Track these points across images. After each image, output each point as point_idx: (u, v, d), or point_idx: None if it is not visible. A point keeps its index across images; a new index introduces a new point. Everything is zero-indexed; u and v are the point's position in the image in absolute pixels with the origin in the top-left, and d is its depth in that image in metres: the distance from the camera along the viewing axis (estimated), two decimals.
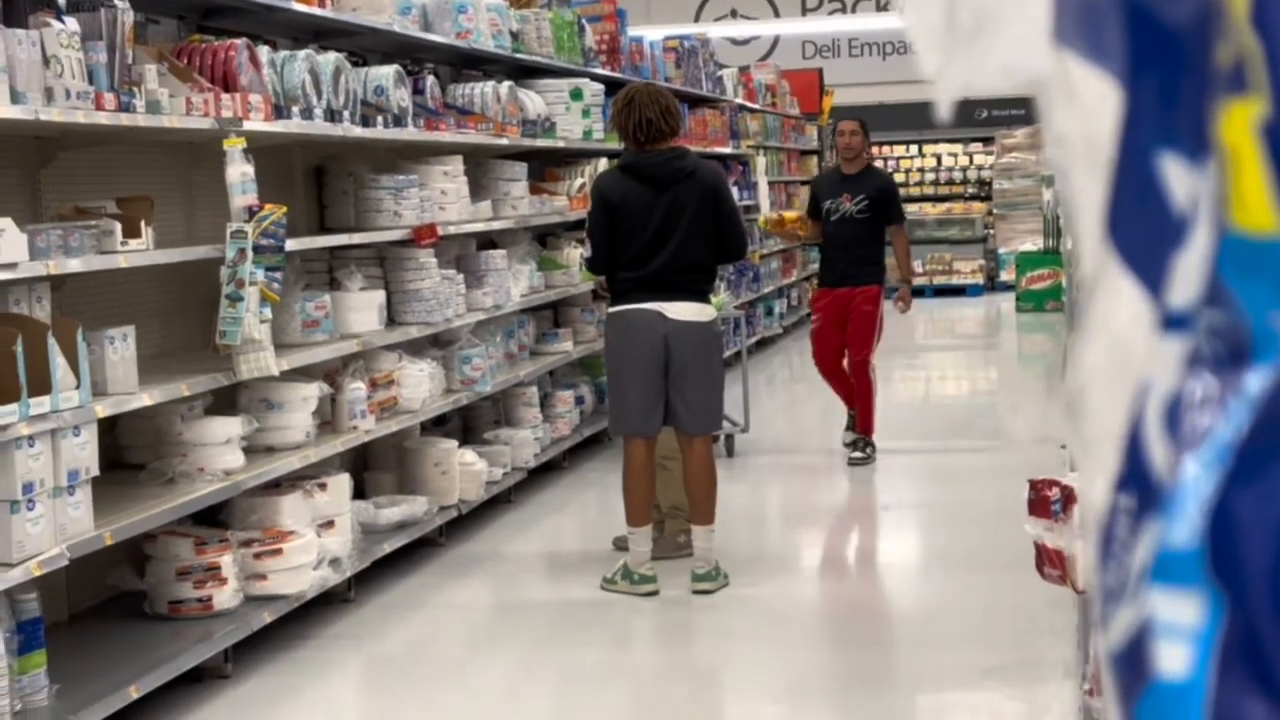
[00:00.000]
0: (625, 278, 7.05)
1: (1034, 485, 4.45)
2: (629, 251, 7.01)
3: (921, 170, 25.53)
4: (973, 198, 24.68)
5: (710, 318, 7.11)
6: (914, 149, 25.48)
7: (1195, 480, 0.58)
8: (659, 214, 6.99)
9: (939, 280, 22.68)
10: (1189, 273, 0.61)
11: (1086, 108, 0.67)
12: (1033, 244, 21.22)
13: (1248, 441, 0.55)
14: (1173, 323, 0.62)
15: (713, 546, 7.19)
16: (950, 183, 25.27)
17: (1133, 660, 0.61)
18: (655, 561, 7.20)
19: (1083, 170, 0.70)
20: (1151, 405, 0.63)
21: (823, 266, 10.80)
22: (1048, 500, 4.36)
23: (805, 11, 24.38)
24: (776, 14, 24.32)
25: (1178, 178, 0.62)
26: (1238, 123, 0.55)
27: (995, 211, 23.03)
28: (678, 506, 7.73)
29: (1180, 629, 0.58)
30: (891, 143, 25.50)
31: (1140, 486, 0.63)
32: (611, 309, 7.18)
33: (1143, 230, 0.64)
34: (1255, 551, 0.54)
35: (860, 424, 10.36)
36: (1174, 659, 0.58)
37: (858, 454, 10.20)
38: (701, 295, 7.11)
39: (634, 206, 7.00)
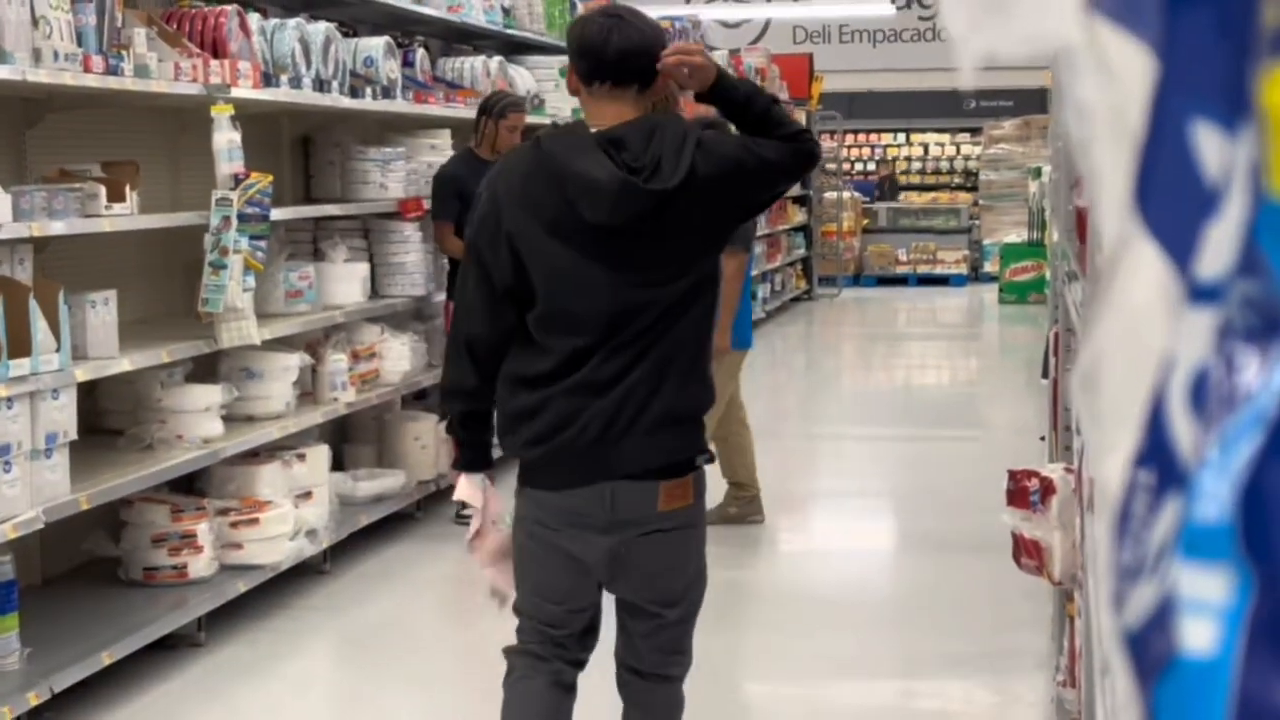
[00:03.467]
0: None
1: (1013, 476, 4.46)
2: None
3: (909, 159, 25.55)
4: (959, 188, 24.73)
5: None
6: (902, 137, 25.51)
7: (1226, 454, 0.57)
8: None
9: (923, 269, 22.70)
10: (1221, 243, 0.60)
11: (1115, 75, 0.66)
12: (1017, 236, 21.25)
13: None
14: (1201, 295, 0.62)
15: None
16: (937, 172, 25.31)
17: (1153, 638, 0.60)
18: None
19: (1106, 141, 0.69)
20: (1176, 379, 0.62)
21: None
22: (1026, 491, 4.37)
23: None
24: None
25: (1211, 146, 0.61)
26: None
27: (981, 202, 23.06)
28: (738, 483, 7.80)
29: (1207, 605, 0.57)
30: (880, 130, 25.51)
31: (1161, 462, 0.62)
32: None
33: (1173, 200, 0.63)
34: None
35: None
36: (1200, 636, 0.57)
37: None
38: None
39: None
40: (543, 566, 3.70)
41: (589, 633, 3.80)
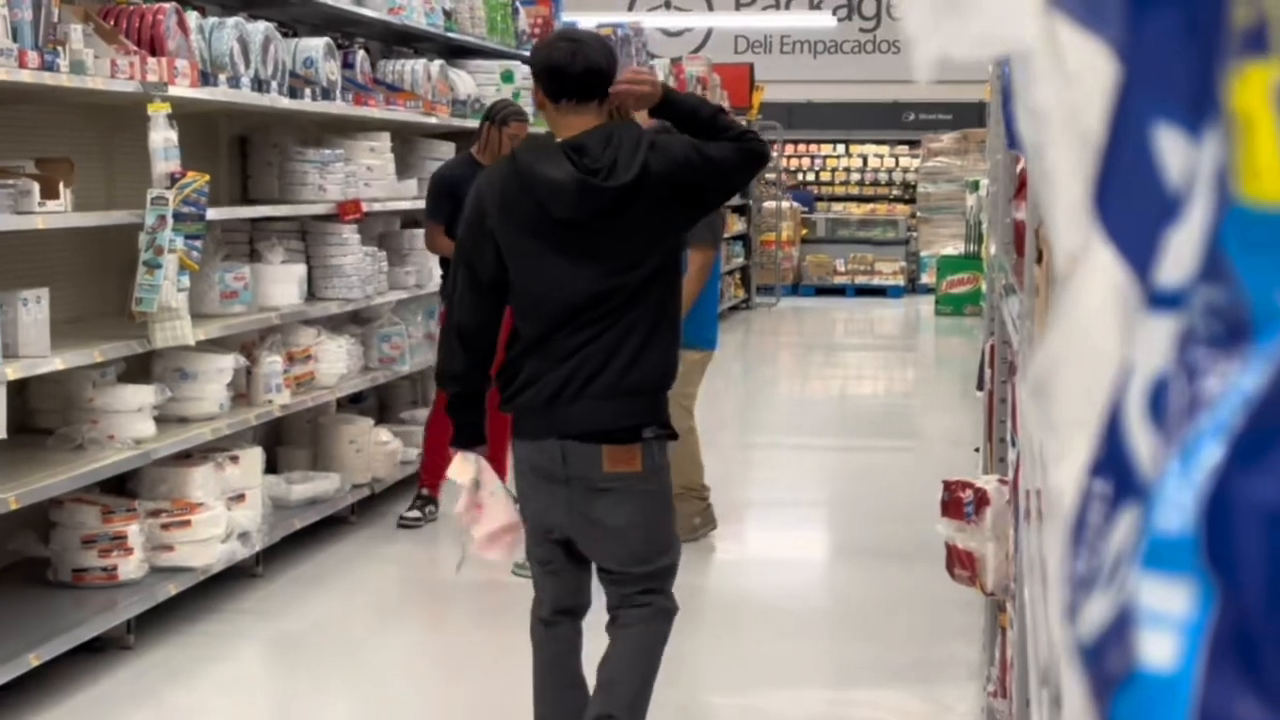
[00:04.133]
0: None
1: (948, 486, 4.47)
2: None
3: (847, 170, 25.63)
4: (897, 200, 24.83)
5: None
6: (840, 149, 25.58)
7: (1188, 464, 0.57)
8: None
9: (860, 280, 22.80)
10: (1183, 249, 0.59)
11: (1074, 77, 0.65)
12: (954, 248, 21.36)
13: (1246, 424, 0.54)
14: (1161, 302, 0.61)
15: None
16: (875, 184, 25.41)
17: (1110, 651, 0.59)
18: None
19: (1062, 145, 0.68)
20: (1134, 388, 0.61)
21: None
22: (961, 502, 4.38)
23: (739, 6, 24.40)
24: (710, 7, 24.32)
25: (1174, 151, 0.61)
26: (1254, 88, 0.54)
27: (918, 214, 23.17)
28: (689, 487, 7.70)
29: (1168, 618, 0.56)
30: (819, 141, 25.57)
31: (1117, 472, 0.62)
32: None
33: (1133, 206, 0.63)
34: (1251, 539, 0.52)
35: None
36: (1160, 649, 0.57)
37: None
38: None
39: None
40: (528, 502, 4.24)
41: (577, 577, 4.31)
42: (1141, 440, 0.61)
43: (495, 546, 4.32)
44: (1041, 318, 2.72)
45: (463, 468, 4.26)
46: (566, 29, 4.68)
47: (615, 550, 4.21)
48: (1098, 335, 0.65)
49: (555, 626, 4.34)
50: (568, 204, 4.05)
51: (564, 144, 4.10)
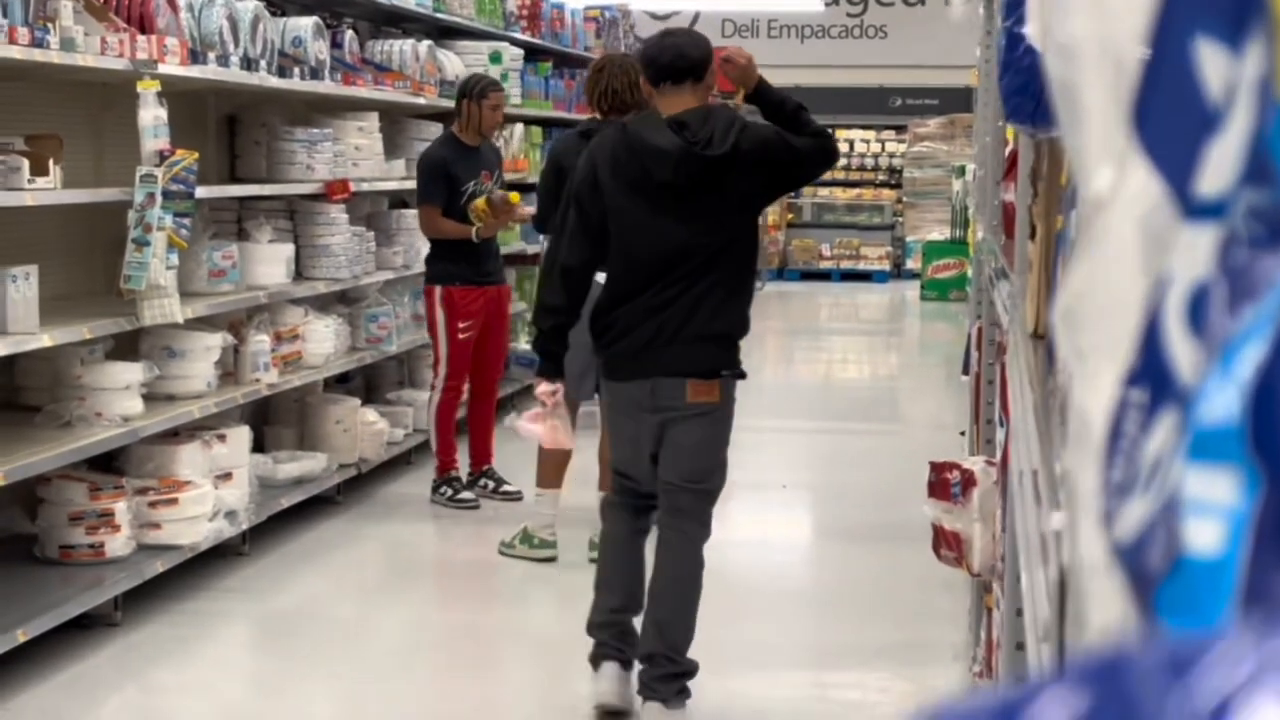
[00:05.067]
0: None
1: (934, 467, 4.49)
2: None
3: None
4: (883, 185, 24.81)
5: None
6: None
7: (1233, 357, 0.58)
8: None
9: (846, 265, 22.81)
10: (1223, 159, 0.61)
11: (1109, 7, 0.66)
12: (940, 234, 21.37)
13: None
14: (1201, 212, 0.62)
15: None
16: (862, 169, 25.38)
17: (1151, 546, 0.61)
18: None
19: (1094, 76, 0.69)
20: (1172, 297, 0.63)
21: (466, 259, 8.00)
22: (947, 483, 4.40)
23: None
24: None
25: (1215, 65, 0.62)
26: None
27: (905, 199, 23.17)
28: None
29: (1214, 506, 0.58)
30: None
31: (1155, 380, 0.63)
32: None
33: (1174, 121, 0.64)
34: None
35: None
36: (1206, 535, 0.58)
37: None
38: None
39: None
40: (618, 431, 5.13)
41: (655, 468, 5.07)
42: (1180, 346, 0.62)
43: (539, 429, 5.31)
44: (1035, 293, 2.74)
45: (547, 389, 5.08)
46: (669, 28, 5.35)
47: (681, 465, 5.00)
48: (1127, 262, 0.66)
49: (624, 507, 5.25)
50: (668, 168, 4.81)
51: (668, 119, 4.87)
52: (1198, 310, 0.62)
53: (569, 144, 7.10)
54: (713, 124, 4.83)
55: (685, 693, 5.06)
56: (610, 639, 5.19)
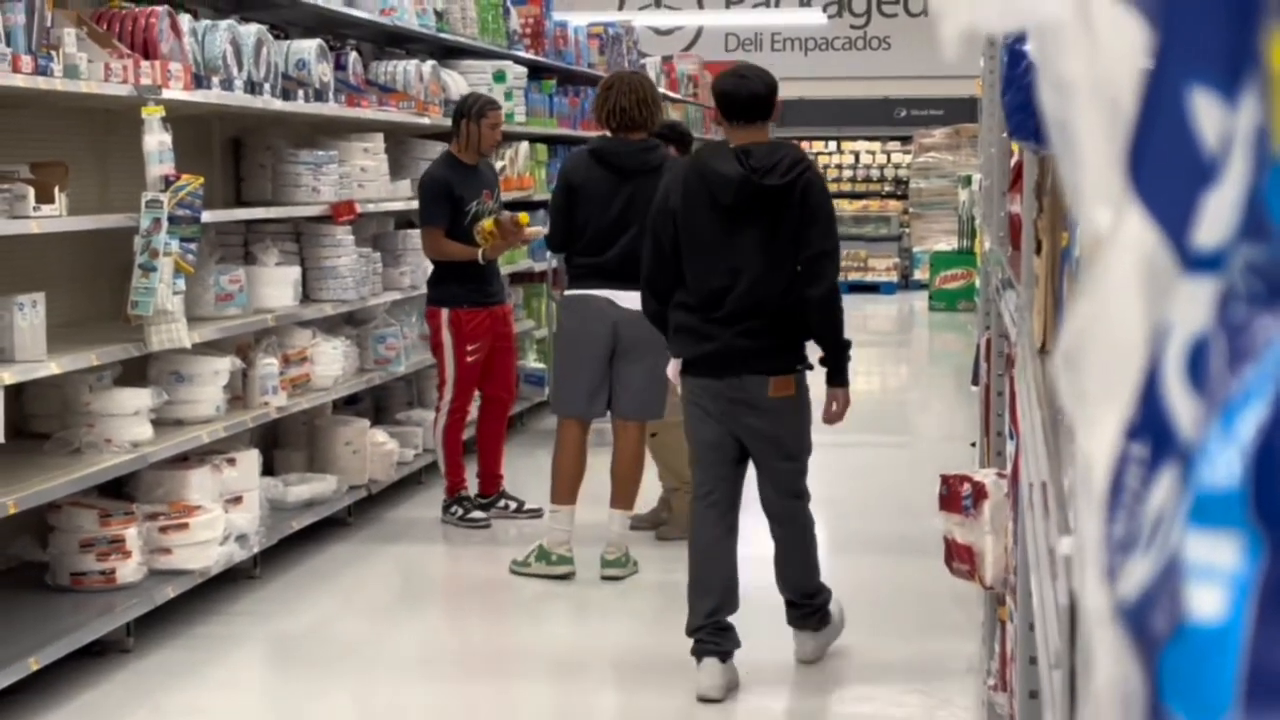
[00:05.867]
0: (581, 263, 7.10)
1: (946, 480, 4.48)
2: (586, 235, 7.04)
3: (839, 167, 25.63)
4: (889, 196, 24.82)
5: None
6: (833, 145, 25.57)
7: (1234, 418, 0.57)
8: (619, 202, 6.98)
9: (854, 277, 22.79)
10: (1220, 211, 0.60)
11: (1105, 48, 0.65)
12: (947, 244, 21.36)
13: None
14: (1199, 264, 0.62)
15: (626, 533, 7.21)
16: (868, 180, 25.39)
17: (1154, 608, 0.60)
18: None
19: (1090, 116, 0.68)
20: (1171, 350, 0.62)
21: (473, 280, 8.00)
22: (959, 496, 4.39)
23: (729, 4, 24.41)
24: (700, 5, 24.33)
25: (1210, 114, 0.61)
26: None
27: (911, 210, 23.17)
28: (687, 481, 7.66)
29: (1216, 571, 0.57)
30: (811, 138, 25.57)
31: (1156, 433, 0.62)
32: (567, 292, 7.24)
33: (1169, 170, 0.63)
34: None
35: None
36: (1209, 601, 0.57)
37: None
38: None
39: (595, 191, 7.01)
40: (701, 426, 5.61)
41: (738, 467, 5.68)
42: (1180, 401, 0.62)
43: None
44: (1041, 307, 2.73)
45: (674, 364, 5.73)
46: (741, 64, 5.87)
47: (775, 450, 5.63)
48: (1128, 305, 0.65)
49: (712, 507, 5.65)
50: (730, 193, 5.42)
51: (735, 148, 5.47)
52: (1197, 364, 0.61)
53: (579, 162, 7.14)
54: (777, 158, 5.43)
55: (826, 617, 5.94)
56: (708, 636, 5.62)
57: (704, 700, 5.51)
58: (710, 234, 5.49)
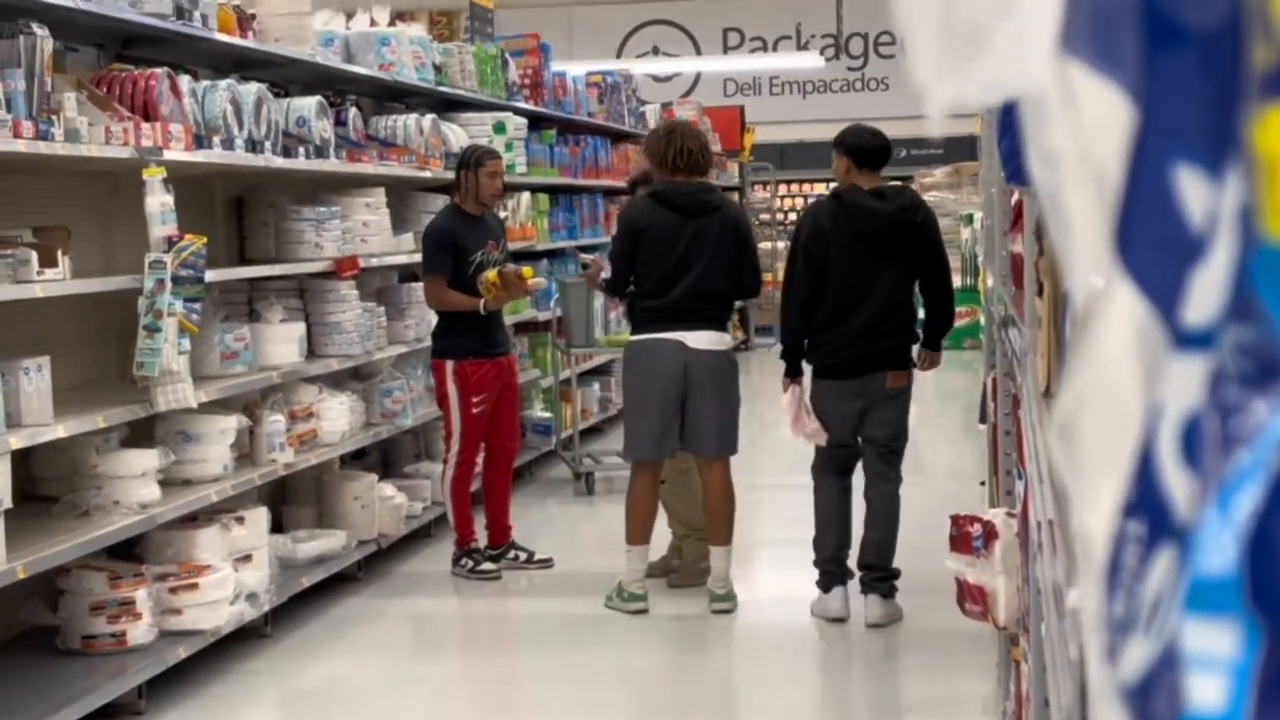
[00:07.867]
0: (647, 306, 7.18)
1: (956, 521, 4.46)
2: (651, 277, 7.15)
3: None
4: None
5: (728, 345, 7.35)
6: (833, 187, 25.57)
7: (1227, 504, 0.57)
8: (684, 242, 7.16)
9: None
10: (1209, 289, 0.60)
11: (1089, 122, 0.65)
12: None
13: None
14: (1189, 341, 0.61)
15: (729, 566, 7.34)
16: None
17: (1155, 693, 0.59)
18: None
19: (1077, 186, 0.68)
20: (1164, 428, 0.61)
21: (477, 331, 8.02)
22: (969, 536, 4.38)
23: (726, 49, 24.50)
24: (698, 51, 24.42)
25: (1195, 192, 0.61)
26: (1276, 130, 0.54)
27: None
28: (696, 528, 7.79)
29: (1214, 660, 0.56)
30: (811, 180, 25.63)
31: (1152, 513, 0.62)
32: (634, 337, 7.34)
33: (1156, 247, 0.63)
34: None
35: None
36: (1208, 691, 0.57)
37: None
38: (720, 324, 7.33)
39: (660, 233, 7.17)
40: (837, 413, 6.95)
41: (854, 450, 7.09)
42: (1175, 481, 0.61)
43: (804, 432, 7.04)
44: (1044, 349, 2.72)
45: (791, 395, 6.92)
46: (857, 124, 7.26)
47: (885, 431, 6.98)
48: (1121, 377, 0.65)
49: (830, 476, 7.06)
50: (874, 224, 6.81)
51: (869, 190, 6.89)
52: (1191, 443, 0.61)
53: (642, 206, 7.37)
54: (903, 199, 6.97)
55: (894, 590, 6.95)
56: (834, 569, 7.03)
57: (834, 620, 6.90)
58: (855, 257, 6.80)
